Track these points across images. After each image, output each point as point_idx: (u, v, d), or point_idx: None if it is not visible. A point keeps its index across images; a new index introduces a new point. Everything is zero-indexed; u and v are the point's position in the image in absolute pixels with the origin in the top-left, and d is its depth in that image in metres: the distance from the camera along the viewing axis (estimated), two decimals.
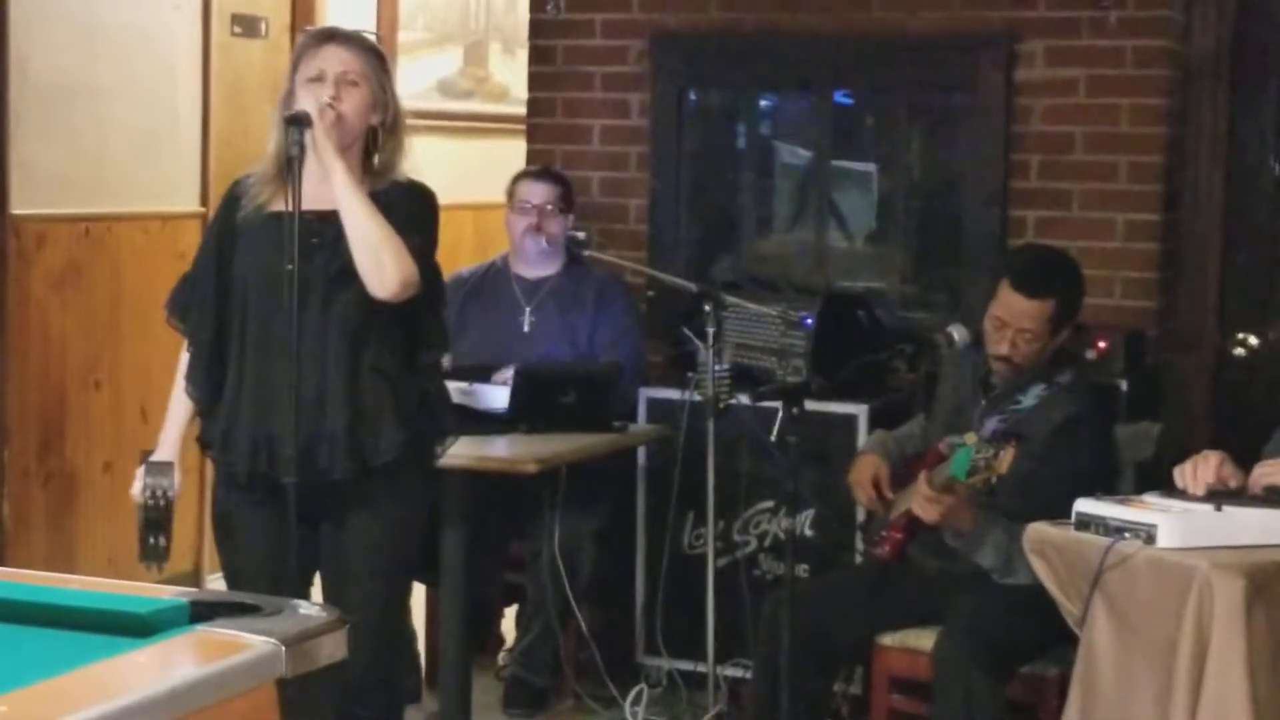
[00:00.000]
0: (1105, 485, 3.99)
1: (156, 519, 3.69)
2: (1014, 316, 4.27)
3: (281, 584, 3.53)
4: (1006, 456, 3.92)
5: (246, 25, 6.48)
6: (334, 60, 3.69)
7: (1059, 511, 3.67)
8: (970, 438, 4.21)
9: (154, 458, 3.78)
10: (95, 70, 5.80)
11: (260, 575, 3.68)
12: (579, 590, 4.98)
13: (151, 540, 3.68)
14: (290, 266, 3.53)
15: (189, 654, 2.26)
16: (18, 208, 5.51)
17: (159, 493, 3.70)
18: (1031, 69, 5.27)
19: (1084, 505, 3.57)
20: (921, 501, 4.11)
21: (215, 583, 5.67)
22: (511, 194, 5.30)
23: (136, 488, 3.75)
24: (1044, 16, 5.25)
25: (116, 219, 5.87)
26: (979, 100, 5.34)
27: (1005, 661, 4.08)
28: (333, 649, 2.36)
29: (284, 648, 2.26)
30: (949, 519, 4.11)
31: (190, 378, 3.79)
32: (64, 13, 5.66)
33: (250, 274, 3.71)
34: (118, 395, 5.85)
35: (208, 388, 3.76)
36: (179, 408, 3.84)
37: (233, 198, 3.80)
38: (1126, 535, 3.46)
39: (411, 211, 3.70)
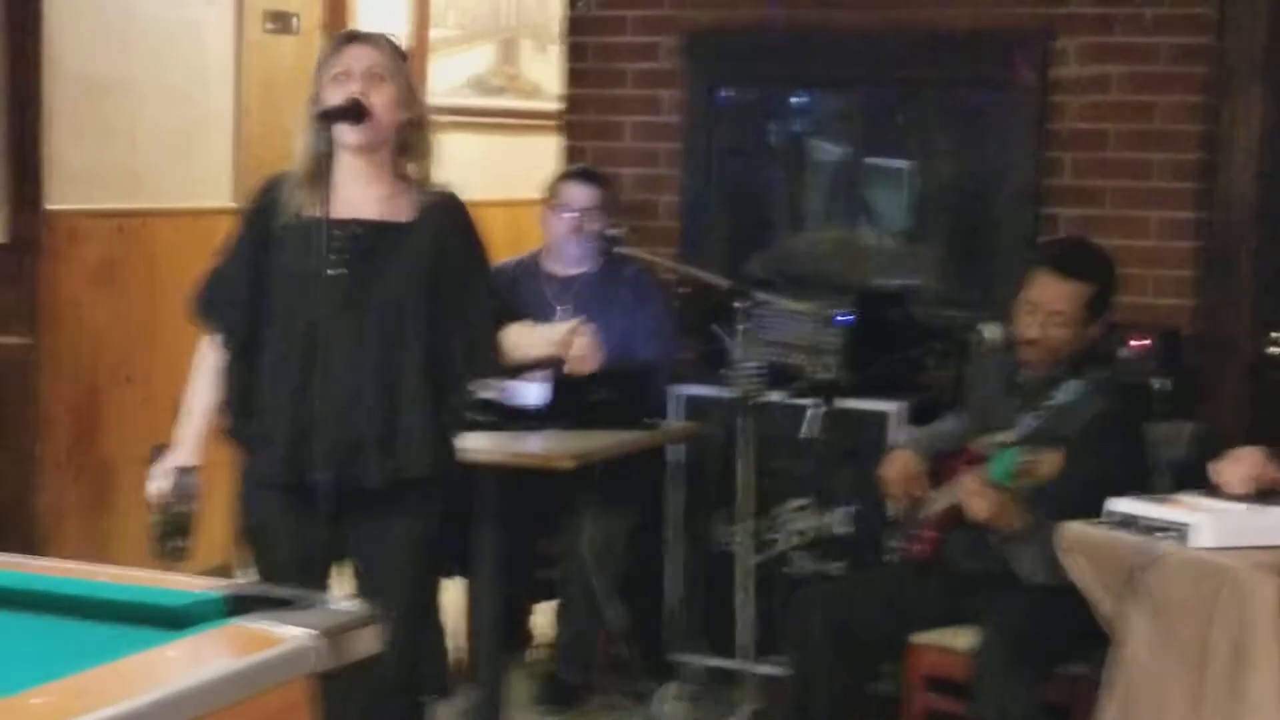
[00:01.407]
0: (1137, 485, 3.96)
1: (178, 523, 3.65)
2: (1047, 298, 4.25)
3: (307, 581, 3.51)
4: (1053, 460, 3.88)
5: (279, 21, 6.49)
6: (359, 57, 3.69)
7: (1086, 510, 3.64)
8: (1007, 436, 4.18)
9: (178, 462, 3.71)
10: (128, 66, 5.81)
11: (287, 572, 3.66)
12: (612, 587, 4.97)
13: (170, 544, 3.65)
14: (330, 272, 3.55)
15: (224, 647, 2.26)
16: (52, 203, 5.52)
17: (183, 498, 3.67)
18: (1066, 66, 5.24)
19: (1118, 504, 3.56)
20: (972, 497, 4.08)
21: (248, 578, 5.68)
22: (553, 194, 5.29)
23: (152, 488, 3.69)
24: (1079, 13, 5.22)
25: (150, 214, 5.88)
26: (1013, 97, 5.32)
27: (1045, 661, 4.05)
28: (367, 643, 2.36)
29: (319, 641, 2.26)
30: (999, 516, 4.08)
31: (222, 376, 3.78)
32: (97, 9, 5.68)
33: (288, 277, 3.68)
34: (151, 390, 5.86)
35: (239, 388, 3.74)
36: (201, 406, 3.79)
37: (269, 199, 3.75)
38: (1160, 535, 3.44)
39: (482, 268, 3.79)
